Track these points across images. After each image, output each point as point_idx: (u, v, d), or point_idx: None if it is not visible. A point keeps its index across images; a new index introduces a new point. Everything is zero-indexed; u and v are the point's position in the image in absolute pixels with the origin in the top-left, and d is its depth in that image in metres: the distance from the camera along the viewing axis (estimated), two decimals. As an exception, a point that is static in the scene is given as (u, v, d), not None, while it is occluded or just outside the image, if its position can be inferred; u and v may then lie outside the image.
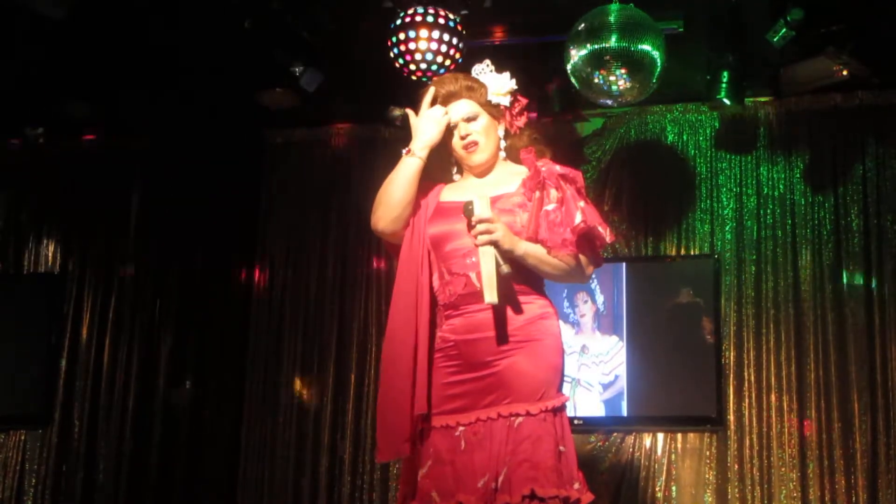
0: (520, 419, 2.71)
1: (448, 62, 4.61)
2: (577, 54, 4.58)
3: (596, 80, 4.61)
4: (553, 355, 2.83)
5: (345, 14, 5.03)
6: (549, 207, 2.82)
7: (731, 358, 5.81)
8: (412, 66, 4.63)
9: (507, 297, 2.77)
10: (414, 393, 2.77)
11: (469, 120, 2.96)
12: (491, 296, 2.67)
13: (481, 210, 2.72)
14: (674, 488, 5.74)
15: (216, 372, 6.47)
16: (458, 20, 4.64)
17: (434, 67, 4.62)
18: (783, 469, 5.63)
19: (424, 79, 4.67)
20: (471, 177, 3.01)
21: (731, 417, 5.74)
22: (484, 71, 3.05)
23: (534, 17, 5.16)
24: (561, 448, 2.73)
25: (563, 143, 6.25)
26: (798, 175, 5.96)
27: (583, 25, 4.58)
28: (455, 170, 3.06)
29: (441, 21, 4.56)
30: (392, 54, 4.64)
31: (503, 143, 3.01)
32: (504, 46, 5.39)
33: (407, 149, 2.94)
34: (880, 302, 5.66)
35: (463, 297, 2.82)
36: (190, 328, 6.54)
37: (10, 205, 6.80)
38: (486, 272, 2.68)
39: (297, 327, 6.46)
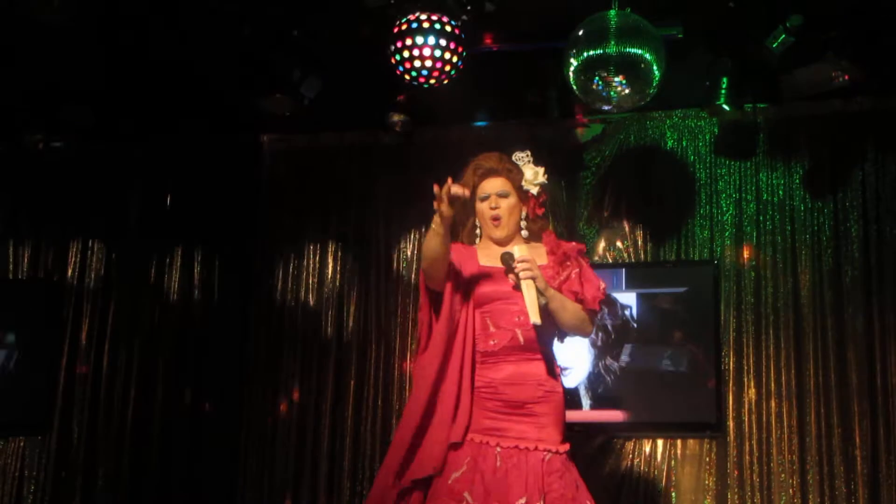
0: (549, 455, 3.31)
1: (448, 69, 4.61)
2: (576, 60, 4.59)
3: (595, 86, 4.61)
4: (564, 407, 3.46)
5: (344, 20, 5.03)
6: (574, 272, 3.46)
7: (731, 364, 5.80)
8: (412, 73, 4.63)
9: (540, 353, 3.42)
10: (454, 423, 3.32)
11: (501, 196, 3.51)
12: (535, 317, 3.22)
13: (522, 253, 3.29)
14: (673, 494, 5.74)
15: (215, 378, 6.47)
16: (457, 26, 4.64)
17: (434, 73, 4.62)
18: (783, 475, 5.62)
19: (425, 85, 4.68)
20: (492, 244, 3.54)
21: (731, 423, 5.74)
22: (523, 159, 3.62)
23: (533, 23, 5.16)
24: (577, 484, 3.34)
25: (562, 149, 6.26)
26: (797, 181, 5.95)
27: (582, 31, 4.58)
28: (478, 232, 3.60)
29: (441, 27, 4.56)
30: (392, 61, 4.64)
31: (524, 222, 3.56)
32: (504, 52, 5.40)
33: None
34: (880, 308, 5.65)
35: (507, 348, 3.39)
36: (188, 335, 6.54)
37: (9, 210, 6.79)
38: (530, 300, 3.24)
39: (297, 332, 6.45)
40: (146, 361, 6.50)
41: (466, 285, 3.44)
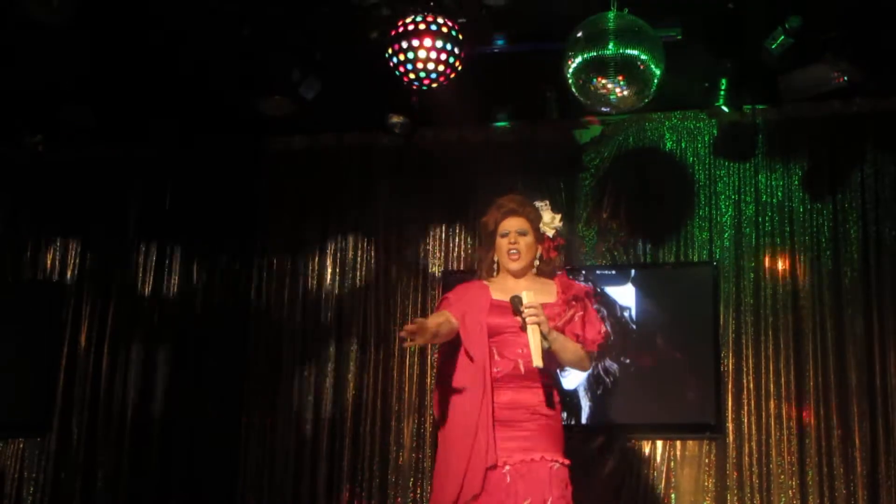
0: (557, 465, 3.64)
1: (447, 70, 4.61)
2: (575, 62, 4.58)
3: (594, 88, 4.61)
4: (559, 432, 3.75)
5: (344, 21, 5.03)
6: (578, 315, 3.78)
7: (730, 365, 5.80)
8: (411, 74, 4.64)
9: (539, 382, 3.69)
10: (488, 447, 3.60)
11: (520, 234, 3.86)
12: (538, 361, 3.52)
13: (530, 299, 3.57)
14: (673, 496, 5.74)
15: (215, 380, 6.46)
16: (457, 28, 4.64)
17: (433, 75, 4.63)
18: (782, 476, 5.62)
19: (423, 87, 4.68)
20: (508, 278, 3.87)
21: (730, 425, 5.74)
22: (542, 206, 3.96)
23: (532, 24, 5.16)
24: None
25: (561, 151, 6.26)
26: (796, 182, 5.96)
27: (581, 33, 4.57)
28: (496, 266, 3.92)
29: (440, 29, 4.56)
30: (391, 62, 4.64)
31: (537, 262, 3.89)
32: (503, 54, 5.40)
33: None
34: (879, 309, 5.65)
35: (509, 376, 3.68)
36: (188, 336, 6.54)
37: (10, 212, 6.80)
38: (534, 344, 3.53)
39: (296, 334, 6.45)
40: (146, 362, 6.50)
41: (480, 319, 3.74)
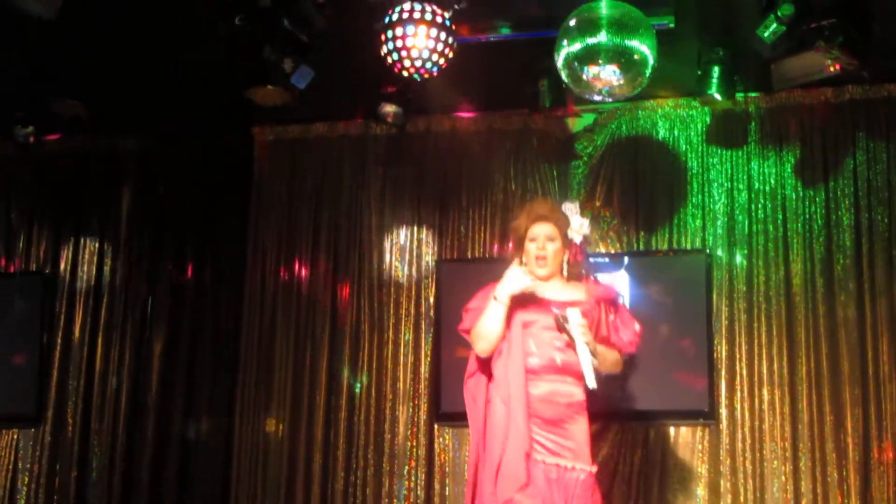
0: (583, 475, 3.84)
1: (440, 59, 4.60)
2: (567, 50, 4.57)
3: (586, 76, 4.60)
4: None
5: (336, 10, 5.02)
6: (611, 318, 4.07)
7: (723, 352, 5.82)
8: (404, 63, 4.62)
9: (574, 376, 3.87)
10: (523, 435, 3.77)
11: (549, 239, 4.02)
12: (592, 382, 3.78)
13: (578, 318, 3.80)
14: (666, 482, 5.75)
15: (209, 370, 6.47)
16: (449, 16, 4.63)
17: (426, 64, 4.62)
18: (775, 462, 5.64)
19: (416, 76, 4.67)
20: (536, 280, 4.02)
21: (724, 411, 5.76)
22: (571, 209, 4.09)
23: (524, 12, 5.16)
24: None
25: (553, 140, 6.26)
26: (789, 170, 5.97)
27: (573, 21, 4.56)
28: (526, 261, 4.05)
29: (432, 17, 4.55)
30: (383, 51, 4.63)
31: (565, 266, 4.06)
32: (495, 43, 5.39)
33: (494, 295, 3.91)
34: (871, 295, 5.67)
35: (545, 367, 3.87)
36: (182, 327, 6.54)
37: (1, 204, 6.79)
38: (586, 365, 3.76)
39: (290, 325, 6.45)
40: (140, 354, 6.50)
41: (514, 313, 3.92)
